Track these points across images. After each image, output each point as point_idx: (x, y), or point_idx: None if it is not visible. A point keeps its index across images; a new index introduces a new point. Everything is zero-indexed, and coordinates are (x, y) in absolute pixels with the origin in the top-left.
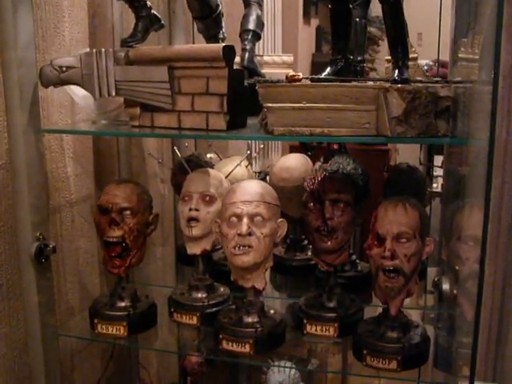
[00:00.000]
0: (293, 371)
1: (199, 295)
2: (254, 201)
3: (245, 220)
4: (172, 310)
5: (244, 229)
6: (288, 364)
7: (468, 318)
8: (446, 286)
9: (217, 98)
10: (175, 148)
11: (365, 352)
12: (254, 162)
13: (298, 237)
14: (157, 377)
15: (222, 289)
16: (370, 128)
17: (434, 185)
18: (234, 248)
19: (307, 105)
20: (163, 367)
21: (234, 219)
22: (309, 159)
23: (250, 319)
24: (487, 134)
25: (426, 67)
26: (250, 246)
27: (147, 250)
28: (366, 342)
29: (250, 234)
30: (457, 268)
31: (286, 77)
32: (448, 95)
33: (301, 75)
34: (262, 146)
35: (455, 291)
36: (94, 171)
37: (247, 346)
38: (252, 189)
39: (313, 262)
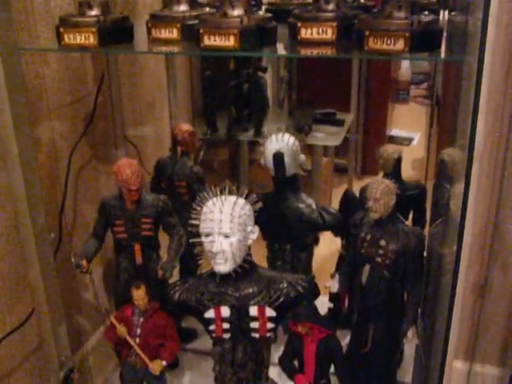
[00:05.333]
0: (291, 140)
1: (180, 8)
2: None
3: None
4: (149, 25)
5: None
6: (286, 136)
7: None
8: None
9: None
10: None
11: (367, 33)
12: None
13: None
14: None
15: (207, 7)
16: None
17: None
18: None
19: None
20: None
21: None
22: None
23: (235, 12)
24: None
25: None
26: None
27: None
28: (369, 23)
29: None
30: None
31: None
32: None
33: None
34: None
35: None
36: None
37: (231, 39)
38: None
39: None
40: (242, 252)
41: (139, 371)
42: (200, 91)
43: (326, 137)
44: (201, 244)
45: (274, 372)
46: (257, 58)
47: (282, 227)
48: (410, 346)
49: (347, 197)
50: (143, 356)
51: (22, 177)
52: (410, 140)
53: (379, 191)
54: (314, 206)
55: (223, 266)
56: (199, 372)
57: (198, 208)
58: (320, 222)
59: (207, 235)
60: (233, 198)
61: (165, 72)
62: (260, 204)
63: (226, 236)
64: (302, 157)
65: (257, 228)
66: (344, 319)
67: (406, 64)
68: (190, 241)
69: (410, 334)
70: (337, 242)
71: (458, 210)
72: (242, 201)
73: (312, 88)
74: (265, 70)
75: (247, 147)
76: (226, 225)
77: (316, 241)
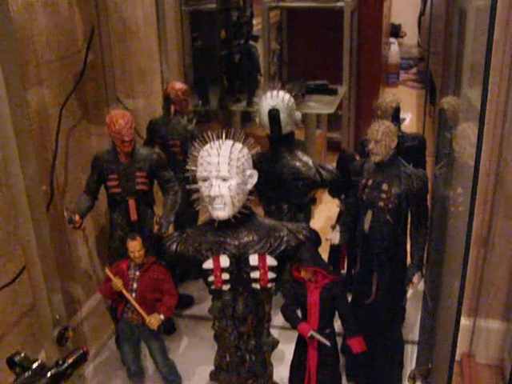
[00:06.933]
0: (287, 96)
1: None
2: None
3: None
4: None
5: None
6: (281, 93)
7: None
8: None
9: None
10: None
11: None
12: None
13: None
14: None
15: None
16: None
17: None
18: None
19: None
20: None
21: None
22: None
23: None
24: None
25: None
26: None
27: None
28: None
29: None
30: None
31: None
32: None
33: None
34: None
35: None
36: None
37: None
38: None
39: None
40: (241, 196)
41: (136, 329)
42: (191, 63)
43: (319, 105)
44: (197, 191)
45: (274, 332)
46: (248, 27)
47: (279, 186)
48: (412, 305)
49: (343, 155)
50: (140, 310)
51: (11, 124)
52: (402, 120)
53: (380, 132)
54: (310, 164)
55: (222, 212)
56: (196, 337)
57: (195, 154)
58: (317, 180)
59: (205, 180)
60: (230, 142)
61: (156, 40)
62: (258, 148)
63: (224, 179)
64: (298, 114)
65: (255, 172)
66: (343, 284)
67: (394, 47)
68: (187, 187)
69: (415, 279)
70: (334, 208)
71: (461, 150)
72: (239, 145)
73: (303, 61)
74: (256, 38)
75: (240, 119)
76: (224, 167)
77: (314, 201)
